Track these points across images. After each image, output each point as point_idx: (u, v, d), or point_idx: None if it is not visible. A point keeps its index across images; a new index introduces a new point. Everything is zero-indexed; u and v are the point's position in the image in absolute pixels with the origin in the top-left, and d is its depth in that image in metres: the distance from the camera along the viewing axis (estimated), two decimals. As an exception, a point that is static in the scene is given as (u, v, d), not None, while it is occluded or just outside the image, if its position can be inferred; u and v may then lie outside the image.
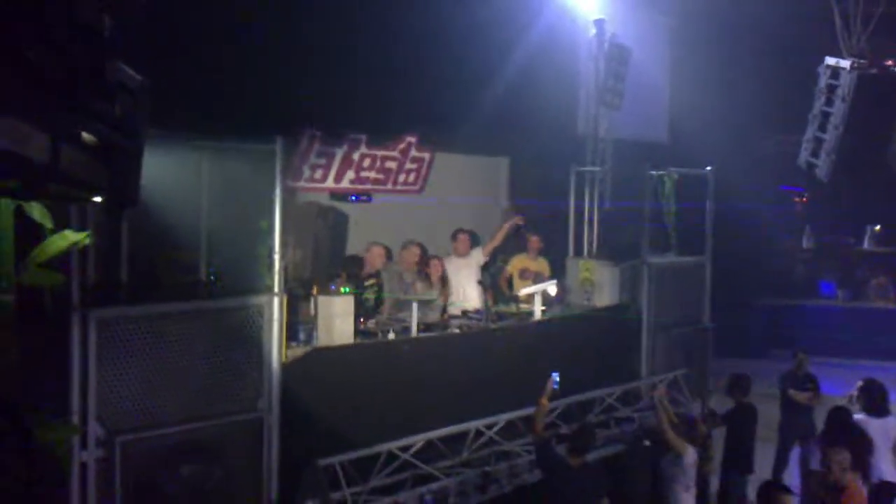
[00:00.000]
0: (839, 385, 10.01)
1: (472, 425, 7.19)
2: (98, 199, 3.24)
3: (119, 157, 3.15)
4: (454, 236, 8.78)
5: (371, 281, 7.76)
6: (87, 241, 3.94)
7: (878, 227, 15.93)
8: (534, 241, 9.44)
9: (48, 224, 3.72)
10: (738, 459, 8.09)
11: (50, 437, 3.83)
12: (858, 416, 7.47)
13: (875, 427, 7.35)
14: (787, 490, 5.69)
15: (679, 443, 7.05)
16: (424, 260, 8.47)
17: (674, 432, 7.14)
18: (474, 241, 9.09)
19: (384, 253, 8.11)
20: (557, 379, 6.64)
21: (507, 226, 9.16)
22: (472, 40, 8.92)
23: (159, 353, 5.35)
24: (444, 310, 8.04)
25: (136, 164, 3.30)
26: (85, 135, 2.92)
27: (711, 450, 7.51)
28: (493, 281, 9.08)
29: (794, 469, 9.22)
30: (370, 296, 7.78)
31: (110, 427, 5.10)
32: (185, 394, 5.50)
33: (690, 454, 7.01)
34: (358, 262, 8.20)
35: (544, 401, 6.68)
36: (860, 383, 7.68)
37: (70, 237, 3.85)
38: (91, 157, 2.98)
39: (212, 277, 6.52)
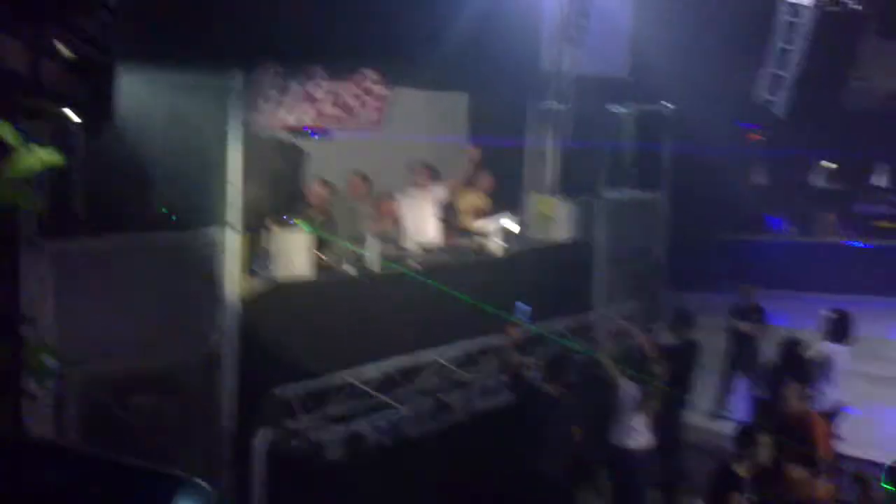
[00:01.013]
0: (787, 317, 10.38)
1: (427, 355, 7.37)
2: (73, 114, 3.22)
3: (96, 72, 3.16)
4: (412, 168, 8.75)
5: (321, 219, 7.68)
6: (60, 162, 3.77)
7: (830, 164, 16.19)
8: (486, 179, 9.32)
9: (17, 142, 3.57)
10: (677, 395, 7.85)
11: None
12: (827, 345, 7.77)
13: (842, 355, 7.69)
14: (765, 431, 5.86)
15: (614, 372, 7.06)
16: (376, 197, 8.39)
17: (616, 366, 7.17)
18: (434, 175, 9.06)
19: (327, 189, 8.01)
20: (524, 308, 6.67)
21: (469, 163, 9.12)
22: (433, -27, 8.81)
23: (114, 285, 5.38)
24: (398, 245, 8.06)
25: (112, 80, 3.30)
26: (63, 49, 2.92)
27: (657, 385, 7.15)
28: (450, 215, 9.10)
29: (736, 397, 9.51)
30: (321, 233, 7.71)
31: (63, 358, 5.15)
32: (141, 326, 5.50)
33: (627, 386, 7.00)
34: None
35: (511, 329, 6.79)
36: (831, 314, 7.89)
37: (42, 156, 3.58)
38: (68, 71, 3.00)
39: (167, 210, 6.51)
